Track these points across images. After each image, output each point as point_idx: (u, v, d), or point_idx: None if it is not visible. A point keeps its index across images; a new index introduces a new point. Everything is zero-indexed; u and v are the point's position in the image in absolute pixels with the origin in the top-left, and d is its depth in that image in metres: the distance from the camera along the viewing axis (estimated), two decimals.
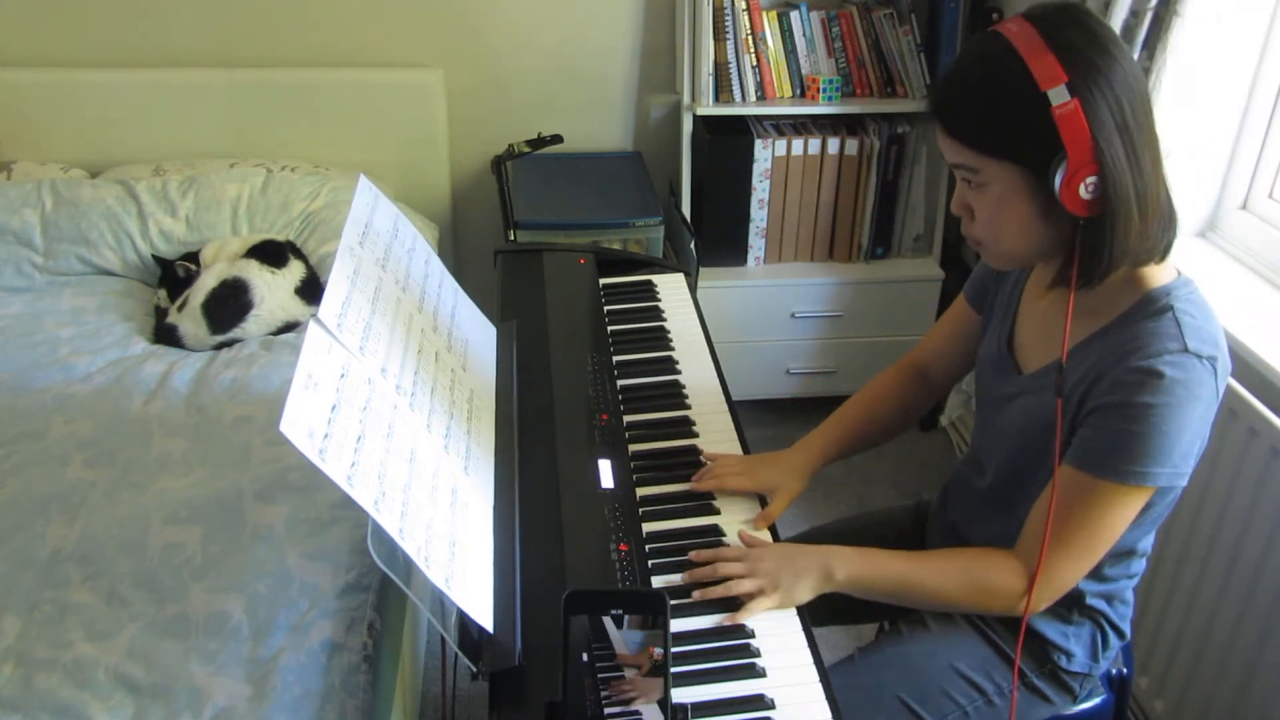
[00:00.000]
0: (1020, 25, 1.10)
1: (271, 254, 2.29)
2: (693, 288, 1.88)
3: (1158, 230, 1.14)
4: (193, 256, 2.36)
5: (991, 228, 1.18)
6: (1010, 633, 1.35)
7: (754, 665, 1.15)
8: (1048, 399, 1.23)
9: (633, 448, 1.45)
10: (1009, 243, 1.18)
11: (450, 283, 1.50)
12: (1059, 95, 1.06)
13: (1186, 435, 1.12)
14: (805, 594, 1.24)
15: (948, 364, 1.54)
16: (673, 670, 0.99)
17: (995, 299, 1.41)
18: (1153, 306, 1.16)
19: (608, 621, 0.98)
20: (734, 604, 1.22)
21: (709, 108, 2.60)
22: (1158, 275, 1.18)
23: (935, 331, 1.55)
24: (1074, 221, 1.12)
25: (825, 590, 1.25)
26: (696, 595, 1.22)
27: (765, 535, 1.34)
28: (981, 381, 1.41)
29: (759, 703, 1.11)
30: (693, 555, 1.28)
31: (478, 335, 1.51)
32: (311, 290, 2.29)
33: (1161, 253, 1.17)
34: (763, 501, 1.40)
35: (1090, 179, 1.08)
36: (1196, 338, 1.12)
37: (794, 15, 2.60)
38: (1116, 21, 1.91)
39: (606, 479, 1.34)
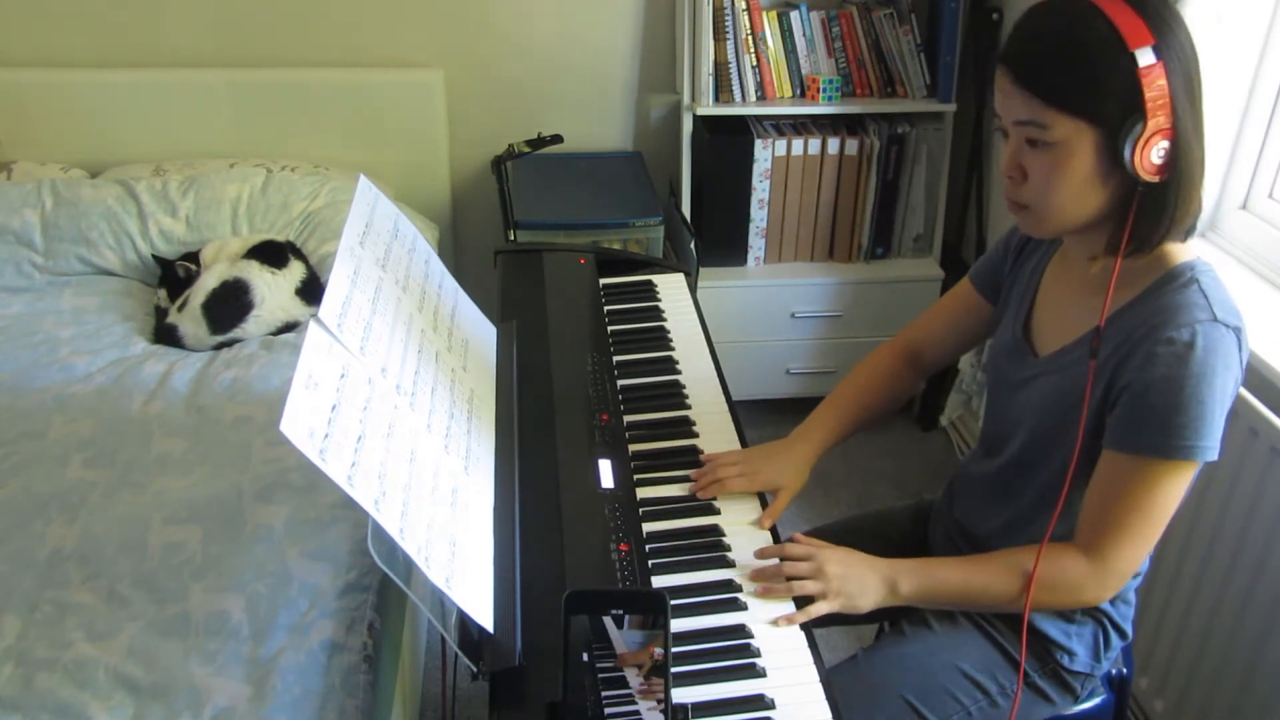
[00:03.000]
0: None
1: (272, 254, 2.29)
2: (693, 288, 1.88)
3: (1200, 204, 1.16)
4: (193, 256, 2.36)
5: (1045, 190, 1.15)
6: (1013, 631, 1.35)
7: (754, 665, 1.15)
8: (1070, 376, 1.23)
9: (633, 448, 1.45)
10: (1060, 206, 1.16)
11: (450, 283, 1.50)
12: (1146, 56, 1.06)
13: (1220, 407, 1.13)
14: (868, 604, 1.24)
15: (942, 347, 1.54)
16: (673, 670, 0.99)
17: (1011, 288, 1.40)
18: (1179, 280, 1.16)
19: (608, 621, 0.98)
20: (736, 605, 1.22)
21: (709, 108, 2.60)
22: (1180, 253, 1.19)
23: (933, 314, 1.54)
24: (1131, 188, 1.13)
25: (889, 604, 1.26)
26: (759, 591, 1.22)
27: (765, 536, 1.34)
28: (995, 368, 1.41)
29: (759, 703, 1.11)
30: (757, 553, 1.28)
31: (478, 335, 1.51)
32: (312, 290, 2.29)
33: (1189, 231, 1.18)
34: (763, 500, 1.40)
35: (1163, 143, 1.09)
36: (1223, 308, 1.14)
37: (794, 15, 2.60)
38: None
39: (606, 479, 1.34)
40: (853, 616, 1.28)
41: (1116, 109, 1.09)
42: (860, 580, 1.24)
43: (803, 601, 1.23)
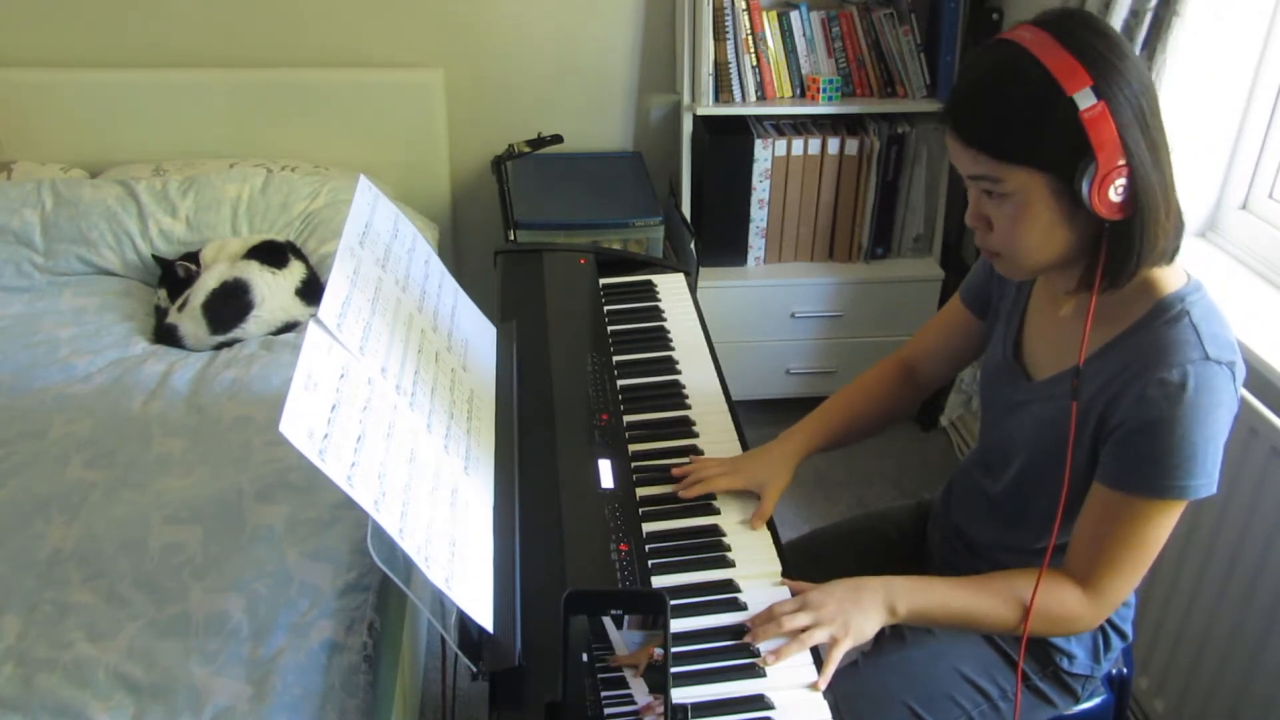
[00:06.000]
0: (1033, 32, 1.08)
1: (272, 254, 2.29)
2: (693, 288, 1.88)
3: (1175, 229, 1.14)
4: (193, 256, 2.36)
5: (1012, 238, 1.14)
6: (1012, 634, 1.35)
7: (754, 665, 1.15)
8: (1064, 406, 1.21)
9: (633, 448, 1.45)
10: (1030, 251, 1.15)
11: (450, 283, 1.50)
12: (1085, 98, 1.04)
13: (1214, 443, 1.12)
14: (872, 629, 1.20)
15: (937, 364, 1.53)
16: (673, 670, 0.99)
17: (999, 306, 1.39)
18: (1168, 313, 1.14)
19: (608, 621, 0.98)
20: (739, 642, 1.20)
21: (709, 108, 2.60)
22: (1168, 280, 1.16)
23: (927, 331, 1.54)
24: (1099, 225, 1.11)
25: (888, 623, 1.22)
26: (771, 661, 1.15)
27: (765, 535, 1.34)
28: (988, 388, 1.40)
29: (759, 703, 1.11)
30: (748, 623, 1.20)
31: (478, 335, 1.51)
32: (312, 290, 2.29)
33: (1172, 254, 1.16)
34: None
35: (1120, 181, 1.06)
36: (1215, 344, 1.12)
37: (794, 15, 2.60)
38: (1116, 22, 1.91)
39: (606, 479, 1.34)
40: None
41: (1065, 153, 1.07)
42: (858, 607, 1.20)
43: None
